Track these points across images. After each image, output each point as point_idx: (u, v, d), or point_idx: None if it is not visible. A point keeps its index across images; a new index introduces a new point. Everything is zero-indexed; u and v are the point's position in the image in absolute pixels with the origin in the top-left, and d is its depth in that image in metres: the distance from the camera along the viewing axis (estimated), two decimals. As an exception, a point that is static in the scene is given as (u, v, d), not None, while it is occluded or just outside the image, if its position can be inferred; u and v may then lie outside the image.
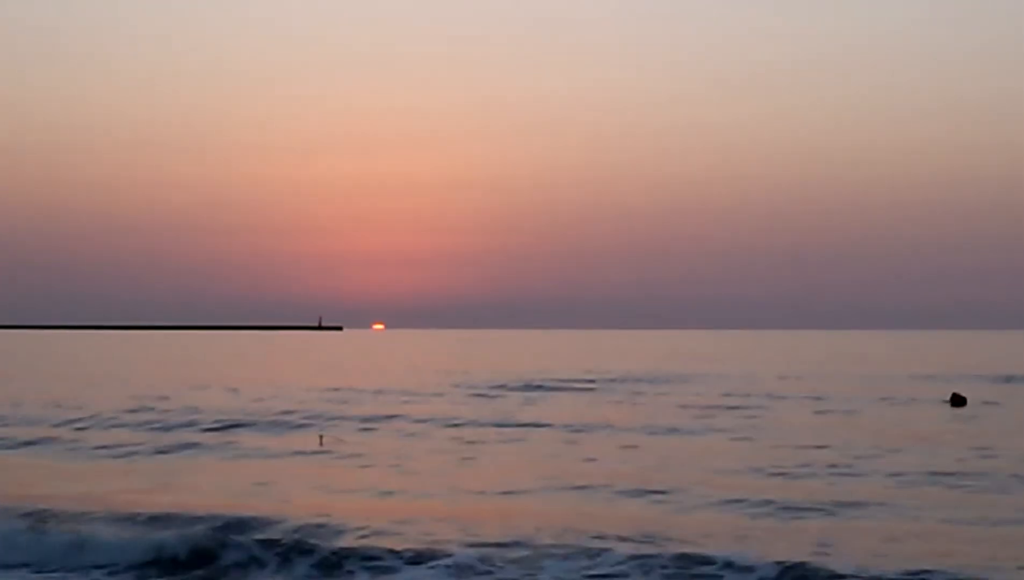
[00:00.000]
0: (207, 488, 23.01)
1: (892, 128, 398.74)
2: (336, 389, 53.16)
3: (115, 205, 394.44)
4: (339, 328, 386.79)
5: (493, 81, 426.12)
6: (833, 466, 25.80)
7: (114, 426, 35.76)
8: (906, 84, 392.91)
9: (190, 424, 35.85)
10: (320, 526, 18.27)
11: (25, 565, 16.69)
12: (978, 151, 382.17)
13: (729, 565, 15.47)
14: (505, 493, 22.04)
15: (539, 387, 55.52)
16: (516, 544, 16.89)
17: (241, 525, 18.33)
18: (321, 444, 30.28)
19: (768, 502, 20.61)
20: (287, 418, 37.84)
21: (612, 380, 63.15)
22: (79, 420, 36.95)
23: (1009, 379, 62.93)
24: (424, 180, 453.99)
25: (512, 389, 54.23)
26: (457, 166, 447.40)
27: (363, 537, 17.55)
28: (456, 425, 36.00)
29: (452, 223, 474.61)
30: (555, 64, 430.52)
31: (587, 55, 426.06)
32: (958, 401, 45.47)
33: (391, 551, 16.57)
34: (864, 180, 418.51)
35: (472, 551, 16.40)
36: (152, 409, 40.88)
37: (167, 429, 34.75)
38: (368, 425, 35.99)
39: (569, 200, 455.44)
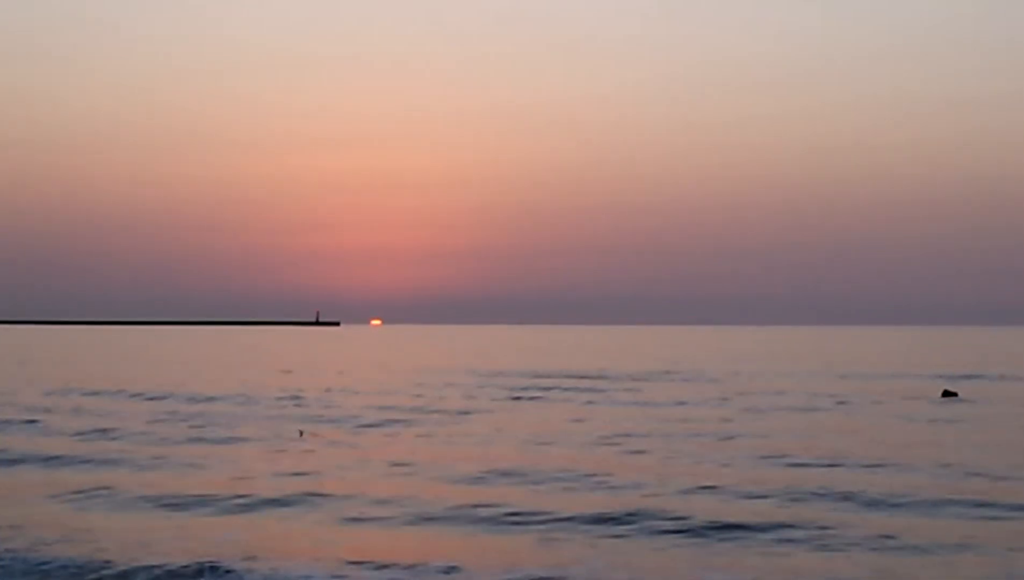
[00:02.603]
0: None
1: (894, 127, 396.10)
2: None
3: (112, 203, 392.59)
4: (336, 323, 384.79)
5: (490, 81, 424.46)
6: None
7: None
8: (911, 83, 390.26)
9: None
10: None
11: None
12: (982, 149, 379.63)
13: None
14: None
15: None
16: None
17: None
18: (301, 436, 28.91)
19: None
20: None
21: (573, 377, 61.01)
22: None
23: (1001, 378, 60.81)
24: (422, 177, 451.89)
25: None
26: (455, 164, 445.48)
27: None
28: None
29: (450, 220, 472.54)
30: (553, 64, 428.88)
31: (585, 55, 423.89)
32: (949, 394, 45.04)
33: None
34: (866, 179, 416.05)
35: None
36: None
37: None
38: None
39: (567, 198, 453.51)
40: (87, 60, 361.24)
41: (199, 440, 28.66)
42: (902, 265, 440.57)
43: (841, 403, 41.00)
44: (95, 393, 44.93)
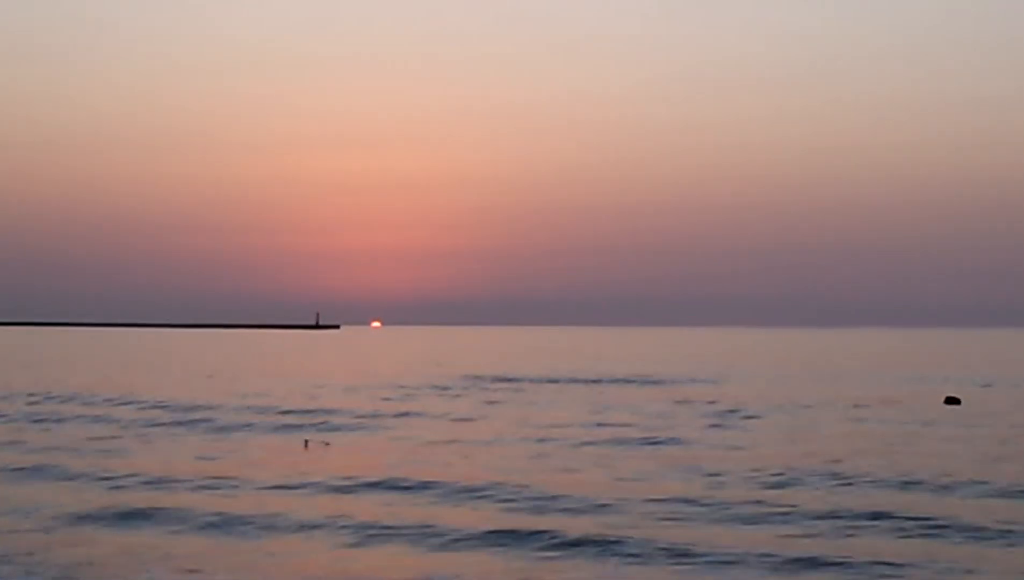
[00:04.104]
0: None
1: (894, 127, 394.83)
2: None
3: (112, 204, 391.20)
4: (336, 326, 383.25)
5: (490, 81, 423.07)
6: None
7: None
8: (911, 83, 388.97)
9: None
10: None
11: None
12: (982, 149, 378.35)
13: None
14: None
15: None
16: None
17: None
18: (306, 448, 28.26)
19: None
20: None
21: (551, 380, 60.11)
22: None
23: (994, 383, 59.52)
24: (422, 178, 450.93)
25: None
26: (454, 165, 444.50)
27: None
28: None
29: (450, 221, 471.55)
30: (553, 64, 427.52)
31: (585, 55, 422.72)
32: (952, 401, 43.17)
33: None
34: (866, 179, 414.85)
35: None
36: None
37: None
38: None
39: (566, 198, 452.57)
40: (87, 60, 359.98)
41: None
42: (902, 265, 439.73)
43: (824, 409, 39.62)
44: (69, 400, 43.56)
